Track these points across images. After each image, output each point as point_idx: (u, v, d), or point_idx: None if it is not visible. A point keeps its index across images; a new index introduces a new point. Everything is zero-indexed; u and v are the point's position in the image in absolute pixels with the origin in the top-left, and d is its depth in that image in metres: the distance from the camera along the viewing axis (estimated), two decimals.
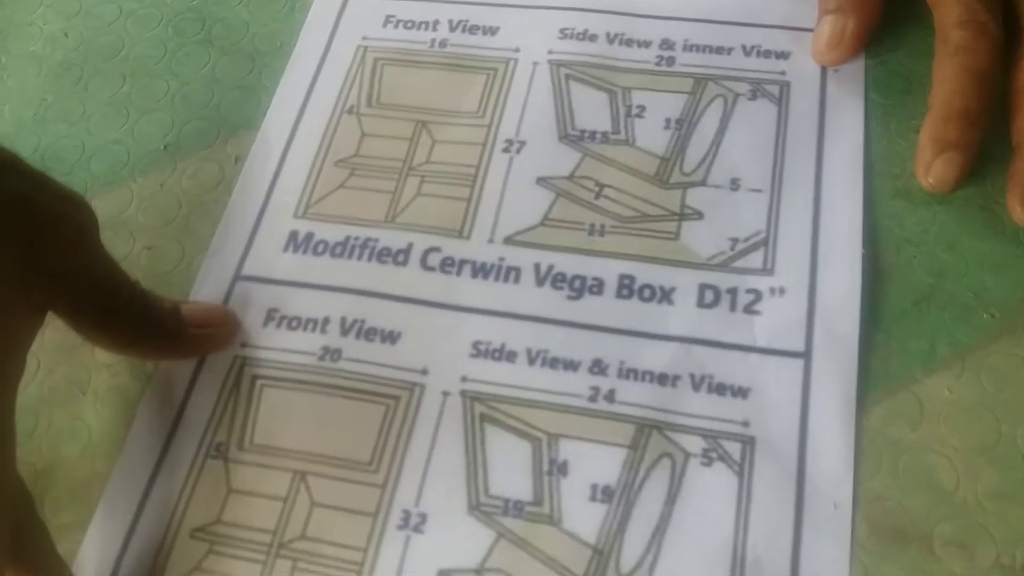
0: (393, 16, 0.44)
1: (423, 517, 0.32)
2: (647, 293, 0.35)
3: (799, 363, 0.32)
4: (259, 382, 0.36)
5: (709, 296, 0.34)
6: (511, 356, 0.34)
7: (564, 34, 0.41)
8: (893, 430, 0.31)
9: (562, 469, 0.32)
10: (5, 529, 0.27)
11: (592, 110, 0.39)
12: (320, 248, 0.38)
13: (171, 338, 0.35)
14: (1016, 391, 0.31)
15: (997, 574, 0.29)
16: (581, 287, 0.36)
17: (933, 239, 0.34)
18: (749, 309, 0.34)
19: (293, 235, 0.39)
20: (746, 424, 0.32)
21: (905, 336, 0.33)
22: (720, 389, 0.33)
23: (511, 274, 0.36)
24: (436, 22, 0.43)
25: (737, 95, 0.39)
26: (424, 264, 0.37)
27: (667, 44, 0.41)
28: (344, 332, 0.36)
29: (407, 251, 0.37)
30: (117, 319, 0.33)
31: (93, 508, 0.34)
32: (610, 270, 0.36)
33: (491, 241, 0.37)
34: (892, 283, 0.34)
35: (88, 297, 0.31)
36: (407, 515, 0.32)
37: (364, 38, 0.43)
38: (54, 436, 0.36)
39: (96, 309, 0.32)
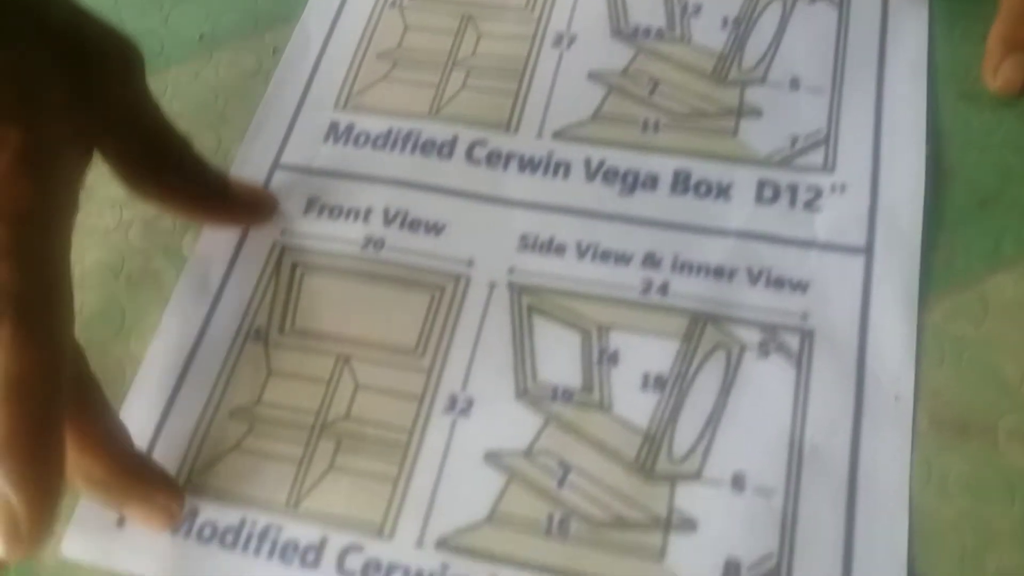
0: None
1: (470, 402, 0.31)
2: (703, 189, 0.34)
3: (860, 259, 0.32)
4: (299, 269, 0.35)
5: (768, 192, 0.34)
6: (560, 249, 0.34)
7: None
8: (956, 326, 0.30)
9: (612, 359, 0.31)
10: (69, 377, 0.26)
11: (647, 6, 0.38)
12: (361, 140, 0.37)
13: (217, 197, 0.33)
14: None
15: None
16: (634, 182, 0.35)
17: (1000, 142, 0.34)
18: (809, 205, 0.33)
19: (333, 126, 0.38)
20: (805, 317, 0.31)
21: (969, 235, 0.32)
22: (778, 283, 0.32)
23: (560, 168, 0.35)
24: None
25: None
26: (469, 157, 0.36)
27: None
28: (387, 222, 0.35)
29: (452, 144, 0.37)
30: (164, 165, 0.31)
31: (127, 389, 0.33)
32: (664, 166, 0.35)
33: (539, 136, 0.36)
34: (956, 183, 0.33)
35: (137, 138, 0.30)
36: (454, 399, 0.31)
37: None
38: (86, 319, 0.35)
39: (143, 152, 0.30)
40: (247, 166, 0.37)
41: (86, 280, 0.36)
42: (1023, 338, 0.30)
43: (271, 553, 0.30)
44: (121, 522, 0.31)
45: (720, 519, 0.28)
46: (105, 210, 0.38)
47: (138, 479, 0.29)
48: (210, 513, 0.30)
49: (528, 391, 0.31)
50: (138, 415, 0.32)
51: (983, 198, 0.32)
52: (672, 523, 0.28)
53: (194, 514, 0.31)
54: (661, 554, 0.28)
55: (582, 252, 0.34)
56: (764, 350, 0.31)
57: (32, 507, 0.24)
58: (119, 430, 0.29)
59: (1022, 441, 0.29)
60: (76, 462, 0.27)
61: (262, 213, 0.35)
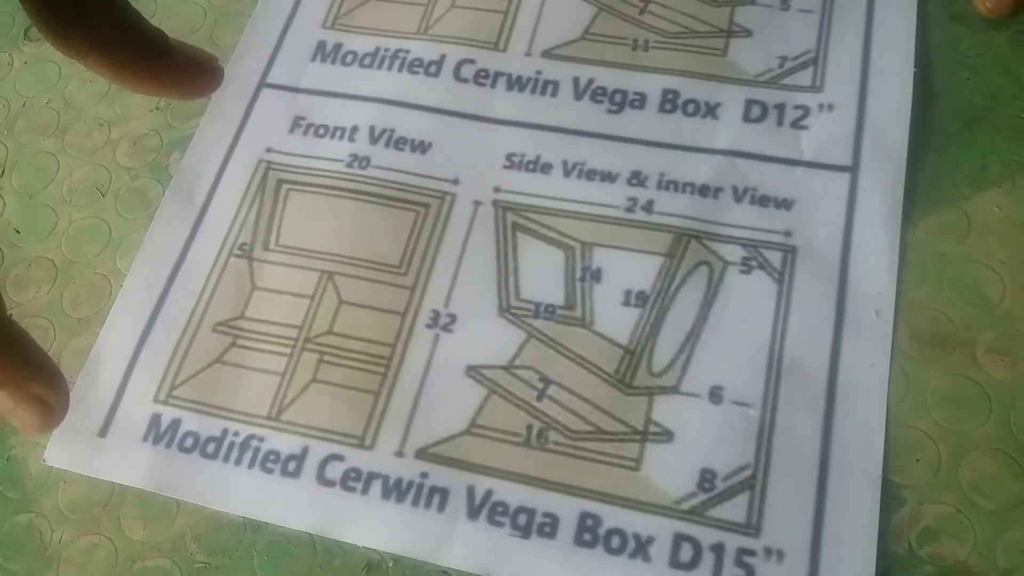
0: None
1: (452, 317, 0.31)
2: (691, 108, 0.34)
3: (845, 176, 0.32)
4: (285, 186, 0.35)
5: (756, 111, 0.33)
6: (546, 168, 0.34)
7: None
8: (939, 243, 0.30)
9: (595, 276, 0.31)
10: None
11: None
12: (349, 58, 0.37)
13: (155, 56, 0.29)
14: None
15: None
16: (622, 101, 0.34)
17: (988, 63, 0.33)
18: (796, 124, 0.33)
19: (321, 45, 0.38)
20: (788, 234, 0.31)
21: (956, 154, 0.32)
22: (763, 201, 0.32)
23: (548, 87, 0.35)
24: None
25: None
26: (457, 75, 0.36)
27: None
28: (373, 140, 0.35)
29: (439, 62, 0.36)
30: (90, 6, 0.27)
31: (112, 303, 0.33)
32: (653, 85, 0.34)
33: (528, 54, 0.36)
34: (944, 103, 0.33)
35: None
36: (436, 315, 0.31)
37: None
38: (74, 235, 0.35)
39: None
40: (234, 83, 0.37)
41: (73, 197, 0.36)
42: (1006, 255, 0.30)
43: (252, 462, 0.30)
44: (103, 432, 0.31)
45: (696, 430, 0.28)
46: (93, 129, 0.38)
47: (9, 358, 0.23)
48: (192, 424, 0.31)
49: (511, 307, 0.31)
50: (122, 328, 0.33)
51: (970, 118, 0.32)
52: (649, 434, 0.29)
53: (177, 424, 0.31)
54: (637, 463, 0.28)
55: (568, 171, 0.33)
56: (747, 266, 0.31)
57: None
58: None
59: (1000, 356, 0.29)
60: None
61: (205, 80, 0.30)
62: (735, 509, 0.27)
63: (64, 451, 0.31)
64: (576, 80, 0.35)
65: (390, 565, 0.28)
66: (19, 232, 0.36)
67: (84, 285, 0.34)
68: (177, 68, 0.28)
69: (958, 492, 0.27)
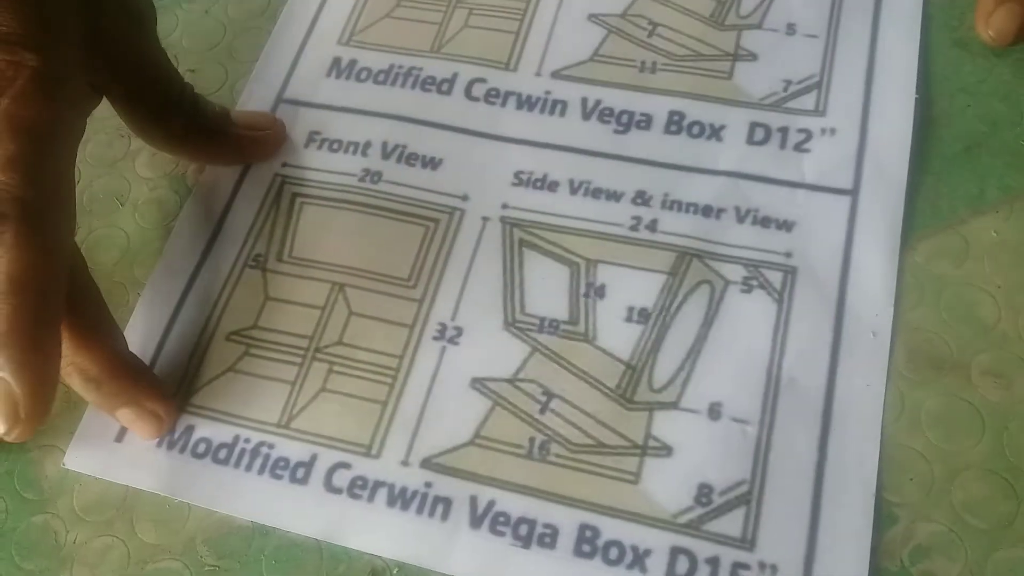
0: None
1: (459, 330, 0.32)
2: (696, 129, 0.35)
3: (846, 200, 0.32)
4: (299, 199, 0.36)
5: (760, 134, 0.34)
6: (553, 186, 0.34)
7: None
8: (937, 266, 0.31)
9: (599, 292, 0.32)
10: (66, 279, 0.28)
11: None
12: (363, 75, 0.38)
13: (220, 136, 0.35)
14: None
15: None
16: (629, 121, 0.35)
17: (989, 89, 0.34)
18: (799, 147, 0.34)
19: (336, 61, 0.39)
20: (789, 255, 0.32)
21: (955, 179, 0.32)
22: (765, 222, 0.32)
23: (557, 107, 0.36)
24: None
25: None
26: (468, 94, 0.37)
27: None
28: (385, 156, 0.36)
29: (451, 81, 0.37)
30: (169, 111, 0.33)
31: (130, 310, 0.34)
32: (659, 106, 0.35)
33: (538, 74, 0.37)
34: (945, 129, 0.33)
35: (143, 85, 0.32)
36: (443, 327, 0.32)
37: None
38: (93, 243, 0.36)
39: (150, 99, 0.32)
40: (253, 99, 0.38)
41: (93, 206, 0.37)
42: (1002, 279, 0.31)
43: (262, 468, 0.31)
44: (120, 437, 0.32)
45: (695, 446, 0.29)
46: (114, 140, 0.39)
47: (130, 382, 0.30)
48: (205, 430, 0.32)
49: (516, 321, 0.32)
50: (140, 336, 0.34)
51: (969, 144, 0.33)
52: (648, 448, 0.29)
53: (190, 431, 0.32)
54: (636, 477, 0.29)
55: (575, 189, 0.34)
56: (747, 286, 0.31)
57: (29, 392, 0.25)
58: (114, 334, 0.30)
59: (995, 378, 0.29)
60: (72, 359, 0.28)
61: (267, 145, 0.36)
62: (731, 523, 0.28)
63: (83, 455, 0.32)
64: (584, 100, 0.36)
65: (394, 572, 0.29)
66: None
67: (103, 293, 0.35)
68: (239, 141, 0.33)
69: (950, 511, 0.28)
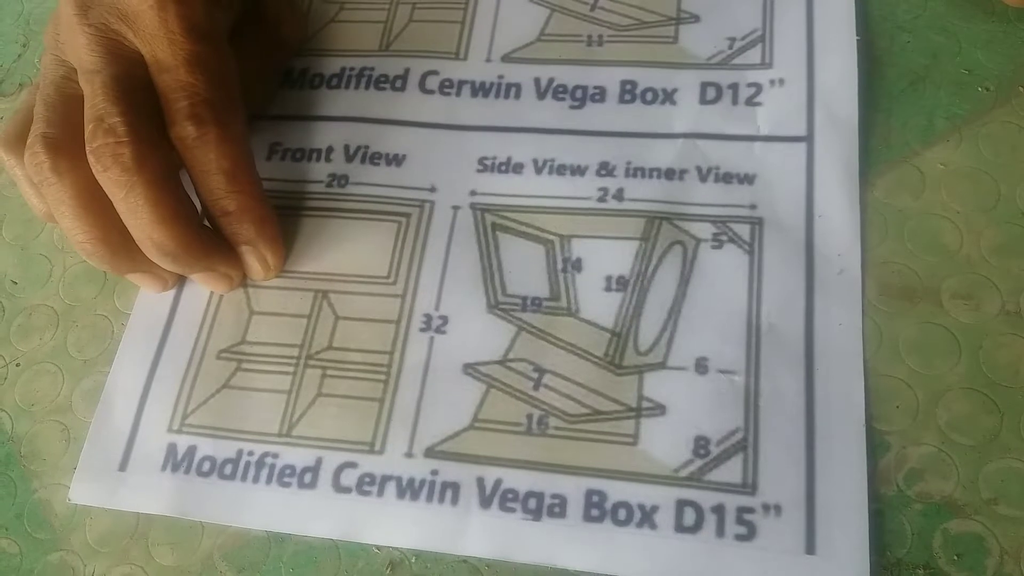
0: None
1: (444, 319, 0.33)
2: (649, 96, 0.35)
3: (802, 146, 0.33)
4: None
5: (711, 93, 0.35)
6: (518, 168, 0.35)
7: None
8: (897, 200, 0.32)
9: (576, 266, 0.33)
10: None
11: None
12: (316, 81, 0.38)
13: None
14: (1012, 155, 0.32)
15: (1003, 320, 0.30)
16: (583, 96, 0.36)
17: (926, 24, 0.35)
18: (751, 101, 0.34)
19: (288, 71, 0.39)
20: (753, 207, 0.33)
21: (904, 114, 0.33)
22: (727, 178, 0.33)
23: (511, 90, 0.37)
24: None
25: None
26: (423, 87, 0.37)
27: None
28: (349, 158, 0.36)
29: (404, 76, 0.38)
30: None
31: (115, 342, 0.35)
32: (611, 77, 0.36)
33: (488, 60, 0.37)
34: (888, 67, 0.34)
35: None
36: (428, 318, 0.33)
37: None
38: (70, 280, 0.37)
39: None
40: None
41: (65, 244, 0.38)
42: (959, 205, 0.32)
43: (269, 479, 0.31)
44: (123, 466, 0.32)
45: (687, 401, 0.30)
46: None
47: (203, 253, 0.32)
48: (208, 448, 0.32)
49: (499, 304, 0.33)
50: (130, 365, 0.34)
51: (913, 78, 0.34)
52: (642, 410, 0.30)
53: (193, 451, 0.32)
54: (634, 439, 0.30)
55: (539, 168, 0.35)
56: (718, 241, 0.32)
57: (275, 251, 0.34)
58: (190, 209, 0.32)
59: (964, 300, 0.30)
60: (150, 235, 0.31)
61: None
62: (731, 471, 0.29)
63: (87, 489, 0.32)
64: (537, 81, 0.36)
65: (412, 561, 0.30)
66: (16, 283, 0.37)
67: (86, 327, 0.35)
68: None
69: (938, 432, 0.29)
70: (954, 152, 0.32)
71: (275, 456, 0.31)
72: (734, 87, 0.35)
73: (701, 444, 0.29)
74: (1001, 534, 0.27)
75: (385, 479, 0.30)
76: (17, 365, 0.35)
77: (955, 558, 0.27)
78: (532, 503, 0.29)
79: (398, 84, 0.37)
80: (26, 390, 0.35)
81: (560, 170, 0.34)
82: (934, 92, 0.33)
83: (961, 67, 0.34)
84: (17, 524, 0.32)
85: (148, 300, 0.35)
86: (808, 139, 0.33)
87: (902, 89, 0.34)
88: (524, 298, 0.32)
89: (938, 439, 0.29)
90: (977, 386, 0.29)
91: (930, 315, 0.30)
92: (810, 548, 0.28)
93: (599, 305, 0.32)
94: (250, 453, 0.32)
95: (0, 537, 0.32)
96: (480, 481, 0.30)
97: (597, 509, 0.29)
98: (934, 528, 0.28)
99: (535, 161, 0.35)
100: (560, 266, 0.33)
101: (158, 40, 0.31)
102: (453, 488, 0.30)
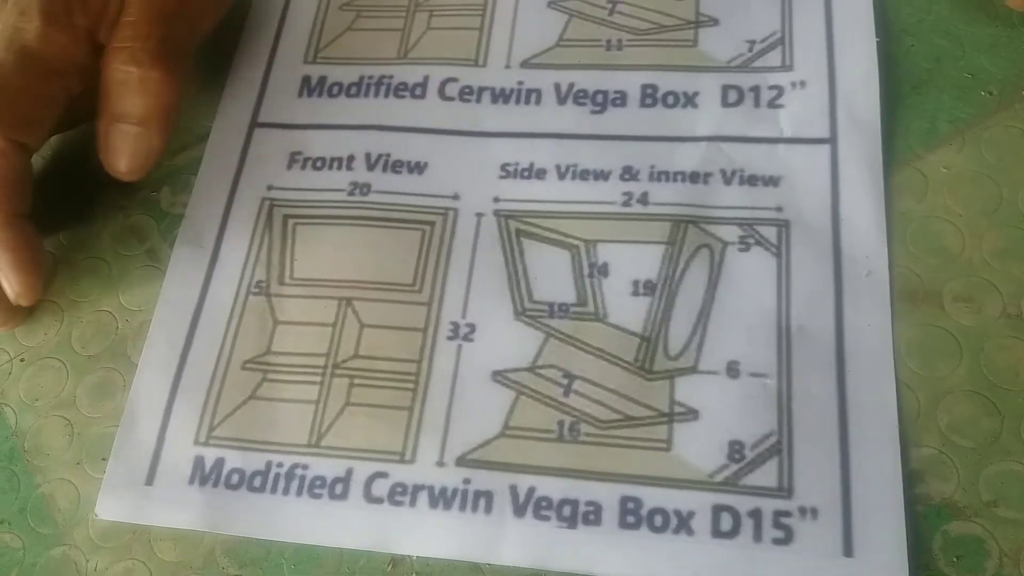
0: None
1: (471, 327, 0.33)
2: (671, 100, 0.35)
3: (826, 148, 0.33)
4: (291, 220, 0.36)
5: (733, 96, 0.35)
6: (541, 173, 0.35)
7: None
8: (901, 203, 0.32)
9: (602, 271, 0.33)
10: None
11: None
12: (335, 90, 0.38)
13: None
14: (1015, 159, 0.33)
15: (1004, 323, 0.30)
16: (604, 101, 0.36)
17: (929, 28, 0.35)
18: (773, 104, 0.34)
19: (306, 80, 0.39)
20: (779, 209, 0.33)
21: (907, 117, 0.34)
22: (752, 180, 0.33)
23: (532, 96, 0.37)
24: None
25: None
26: (442, 95, 0.37)
27: None
28: (371, 167, 0.36)
29: (424, 84, 0.38)
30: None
31: (121, 338, 0.35)
32: (631, 82, 0.36)
33: (508, 66, 0.37)
34: (892, 70, 0.35)
35: None
36: (456, 326, 0.33)
37: None
38: (74, 277, 0.37)
39: None
40: (227, 126, 0.38)
41: (71, 239, 0.37)
42: (962, 208, 0.32)
43: (300, 490, 0.31)
44: (150, 480, 0.32)
45: (719, 406, 0.30)
46: None
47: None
48: (236, 461, 0.32)
49: (526, 310, 0.33)
50: (153, 378, 0.34)
51: (916, 82, 0.34)
52: (675, 415, 0.30)
53: (221, 463, 0.32)
54: (668, 444, 0.30)
55: (562, 173, 0.35)
56: (745, 244, 0.32)
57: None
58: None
59: (966, 303, 0.31)
60: None
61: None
62: (766, 475, 0.29)
63: (115, 504, 0.32)
64: (557, 86, 0.36)
65: (414, 558, 0.30)
66: None
67: (90, 323, 0.35)
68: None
69: (938, 435, 0.29)
70: (957, 156, 0.33)
71: (305, 467, 0.31)
72: (755, 90, 0.35)
73: (736, 448, 0.29)
74: (1001, 536, 0.27)
75: (417, 489, 0.30)
76: (21, 360, 0.35)
77: (955, 560, 0.27)
78: (567, 511, 0.29)
79: (417, 92, 0.37)
80: (30, 385, 0.35)
81: (583, 175, 0.34)
82: (937, 96, 0.34)
83: (964, 71, 0.34)
84: (20, 518, 0.32)
85: (169, 309, 0.35)
86: (832, 141, 0.33)
87: (906, 92, 0.34)
88: (551, 304, 0.32)
89: (939, 441, 0.29)
90: (978, 389, 0.29)
91: (932, 317, 0.30)
92: (848, 551, 0.28)
93: (627, 310, 0.32)
94: (279, 465, 0.31)
95: (3, 531, 0.32)
96: (513, 489, 0.30)
97: (633, 516, 0.29)
98: (934, 530, 0.28)
99: (558, 167, 0.35)
100: (586, 271, 0.33)
101: None
102: (486, 497, 0.30)
